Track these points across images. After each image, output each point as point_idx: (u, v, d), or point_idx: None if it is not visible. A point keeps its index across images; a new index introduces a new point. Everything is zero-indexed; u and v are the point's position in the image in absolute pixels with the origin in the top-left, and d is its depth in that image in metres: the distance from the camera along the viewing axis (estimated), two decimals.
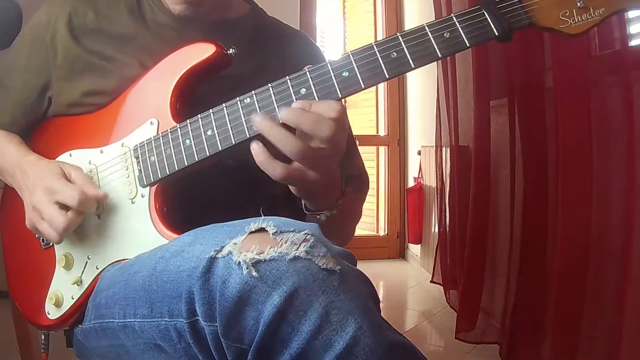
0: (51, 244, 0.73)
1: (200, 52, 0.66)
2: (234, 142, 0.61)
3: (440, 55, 0.58)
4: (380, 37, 3.47)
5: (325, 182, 0.62)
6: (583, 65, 1.28)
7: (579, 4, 0.58)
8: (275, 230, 0.49)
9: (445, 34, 0.58)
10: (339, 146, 0.59)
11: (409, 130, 3.22)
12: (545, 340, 1.40)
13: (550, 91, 1.42)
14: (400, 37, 0.58)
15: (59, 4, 0.76)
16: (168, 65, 0.68)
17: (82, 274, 0.69)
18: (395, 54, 0.58)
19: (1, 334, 1.51)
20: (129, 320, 0.59)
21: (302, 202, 0.69)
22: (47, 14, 0.76)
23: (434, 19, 2.13)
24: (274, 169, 0.59)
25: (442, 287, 2.32)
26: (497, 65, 1.71)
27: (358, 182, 0.79)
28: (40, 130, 0.79)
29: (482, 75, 1.75)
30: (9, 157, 0.75)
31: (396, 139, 3.24)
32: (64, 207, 0.65)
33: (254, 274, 0.46)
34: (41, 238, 0.74)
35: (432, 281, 2.47)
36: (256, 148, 0.58)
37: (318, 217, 0.68)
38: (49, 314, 0.72)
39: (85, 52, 0.74)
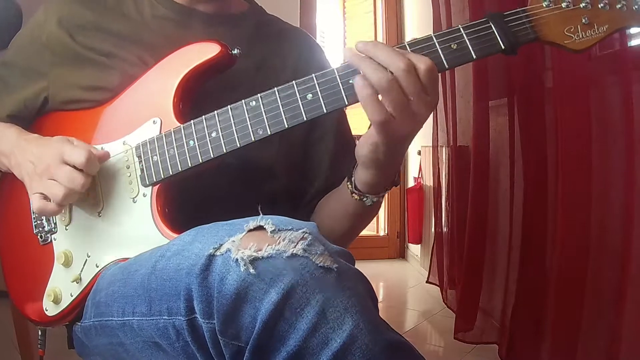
0: (49, 239, 0.73)
1: (205, 51, 0.66)
2: (239, 145, 0.61)
3: (447, 67, 0.58)
4: (380, 38, 3.47)
5: (398, 151, 0.62)
6: (583, 65, 1.28)
7: (583, 20, 0.59)
8: (273, 229, 0.49)
9: (452, 45, 0.58)
10: (420, 97, 0.56)
11: None
12: (544, 340, 1.40)
13: (550, 91, 1.42)
14: (407, 46, 0.58)
15: (56, 4, 0.76)
16: (171, 63, 0.68)
17: (81, 271, 0.69)
18: None
19: (1, 334, 1.51)
20: (127, 318, 0.59)
21: (352, 183, 0.68)
22: (45, 13, 0.76)
23: (432, 20, 2.11)
24: (374, 107, 0.56)
25: (437, 288, 2.32)
26: (497, 65, 1.72)
27: None
28: (40, 125, 0.79)
29: (482, 75, 1.75)
30: (7, 139, 0.74)
31: None
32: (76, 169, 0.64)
33: (252, 271, 0.46)
34: (39, 234, 0.74)
35: (427, 281, 2.46)
36: (360, 82, 0.56)
37: (365, 199, 0.67)
38: (46, 310, 0.72)
39: (83, 49, 0.74)
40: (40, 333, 0.79)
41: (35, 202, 0.66)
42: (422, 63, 0.56)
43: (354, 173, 0.68)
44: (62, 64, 0.75)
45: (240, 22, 0.80)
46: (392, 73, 0.55)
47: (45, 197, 0.66)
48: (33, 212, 0.75)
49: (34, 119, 0.79)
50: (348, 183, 0.68)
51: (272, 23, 0.87)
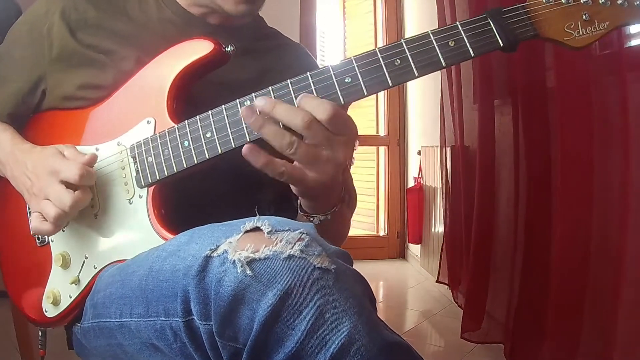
0: (47, 241, 0.73)
1: (198, 49, 0.65)
2: (234, 146, 0.61)
3: (444, 65, 0.57)
4: (380, 37, 3.47)
5: (326, 185, 0.61)
6: (584, 65, 1.27)
7: (584, 17, 0.57)
8: (270, 229, 0.49)
9: (450, 43, 0.57)
10: (331, 143, 0.57)
11: (409, 130, 3.22)
12: (546, 340, 1.40)
13: (552, 91, 1.41)
14: (404, 43, 0.57)
15: None
16: (164, 61, 0.67)
17: (79, 273, 0.69)
18: (398, 61, 0.57)
19: (1, 334, 1.51)
20: (125, 319, 0.59)
21: (299, 202, 0.68)
22: (46, 5, 0.75)
23: (434, 19, 2.12)
24: (275, 168, 0.57)
25: (437, 288, 2.30)
26: (500, 64, 1.71)
27: (353, 199, 0.78)
28: (33, 124, 0.78)
29: (485, 75, 1.75)
30: (2, 146, 0.74)
31: (396, 139, 3.24)
32: (70, 186, 0.65)
33: (249, 272, 0.46)
34: (36, 236, 0.74)
35: (438, 281, 2.43)
36: (249, 153, 0.57)
37: (312, 219, 0.67)
38: (46, 311, 0.72)
39: (81, 46, 0.73)
40: (40, 333, 0.79)
41: (33, 222, 0.67)
42: (321, 113, 0.56)
43: None
44: (59, 60, 0.74)
45: (241, 32, 0.80)
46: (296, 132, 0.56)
47: (43, 217, 0.66)
48: (29, 214, 0.75)
49: (29, 116, 0.79)
50: (295, 203, 0.69)
51: (272, 37, 0.87)
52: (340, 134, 0.58)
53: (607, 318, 1.18)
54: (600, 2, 0.57)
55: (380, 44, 3.29)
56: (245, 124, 0.60)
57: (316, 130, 0.56)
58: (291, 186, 0.62)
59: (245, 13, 0.73)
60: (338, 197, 0.67)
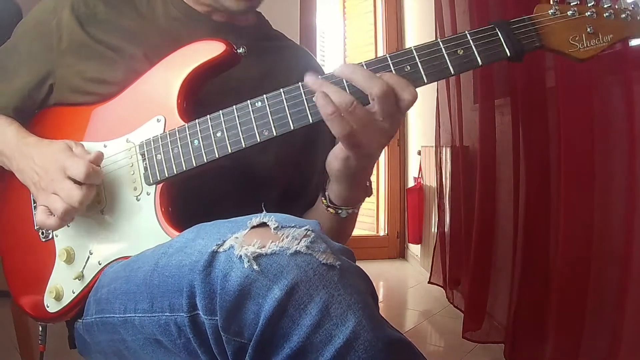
0: (51, 236, 0.73)
1: (210, 50, 0.66)
2: (244, 146, 0.62)
3: (453, 73, 0.59)
4: (380, 38, 3.46)
5: (370, 161, 0.63)
6: (584, 65, 1.28)
7: (588, 30, 0.59)
8: (276, 225, 0.50)
9: (458, 51, 0.58)
10: (392, 118, 0.58)
11: (409, 131, 3.23)
12: (547, 339, 1.40)
13: (552, 91, 1.42)
14: (414, 50, 0.59)
15: None
16: (176, 60, 0.68)
17: (83, 269, 0.69)
18: (408, 67, 0.59)
19: (1, 334, 1.51)
20: (129, 315, 0.59)
21: (327, 197, 0.70)
22: (54, 1, 0.76)
23: (433, 19, 2.13)
24: (338, 123, 0.57)
25: (438, 288, 2.32)
26: (500, 64, 1.72)
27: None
28: (40, 119, 0.78)
29: (486, 75, 1.76)
30: (8, 140, 0.74)
31: (396, 139, 3.24)
32: (78, 182, 0.65)
33: (255, 267, 0.46)
34: (40, 230, 0.74)
35: (430, 282, 2.46)
36: (322, 100, 0.57)
37: (340, 212, 0.69)
38: (48, 307, 0.72)
39: (91, 40, 0.74)
40: (41, 329, 0.79)
41: (39, 215, 0.67)
42: (407, 93, 0.57)
43: (327, 188, 0.70)
44: (68, 52, 0.74)
45: (246, 32, 0.81)
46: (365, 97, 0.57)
47: (49, 211, 0.66)
48: (34, 209, 0.75)
49: (37, 111, 0.79)
50: (322, 198, 0.71)
51: (276, 38, 0.88)
52: (402, 114, 0.59)
53: (609, 318, 1.18)
54: (605, 15, 0.59)
55: (380, 44, 3.29)
56: (255, 124, 0.61)
57: (388, 104, 0.57)
58: (331, 169, 0.64)
59: (246, 9, 0.74)
60: (366, 186, 0.69)
